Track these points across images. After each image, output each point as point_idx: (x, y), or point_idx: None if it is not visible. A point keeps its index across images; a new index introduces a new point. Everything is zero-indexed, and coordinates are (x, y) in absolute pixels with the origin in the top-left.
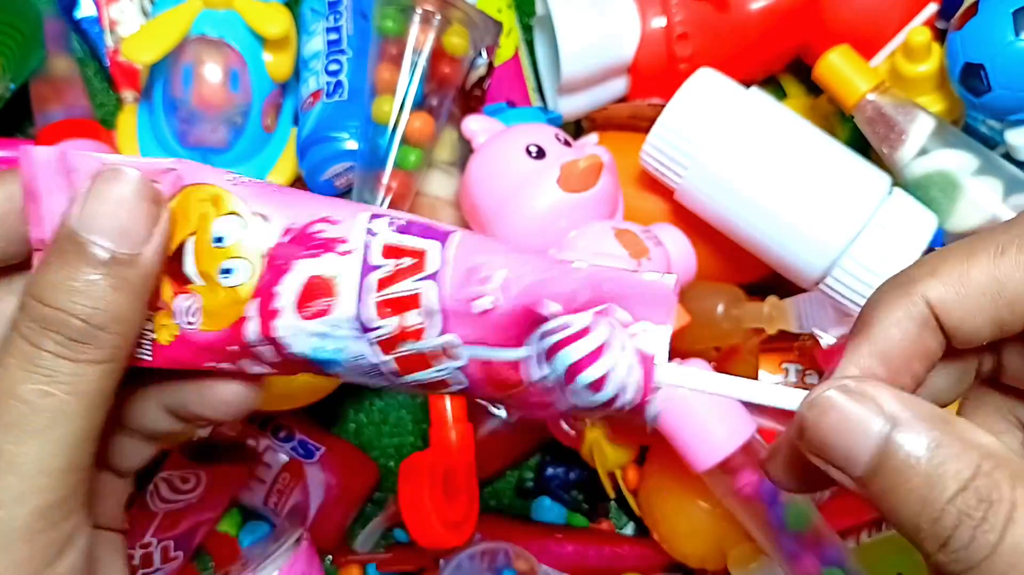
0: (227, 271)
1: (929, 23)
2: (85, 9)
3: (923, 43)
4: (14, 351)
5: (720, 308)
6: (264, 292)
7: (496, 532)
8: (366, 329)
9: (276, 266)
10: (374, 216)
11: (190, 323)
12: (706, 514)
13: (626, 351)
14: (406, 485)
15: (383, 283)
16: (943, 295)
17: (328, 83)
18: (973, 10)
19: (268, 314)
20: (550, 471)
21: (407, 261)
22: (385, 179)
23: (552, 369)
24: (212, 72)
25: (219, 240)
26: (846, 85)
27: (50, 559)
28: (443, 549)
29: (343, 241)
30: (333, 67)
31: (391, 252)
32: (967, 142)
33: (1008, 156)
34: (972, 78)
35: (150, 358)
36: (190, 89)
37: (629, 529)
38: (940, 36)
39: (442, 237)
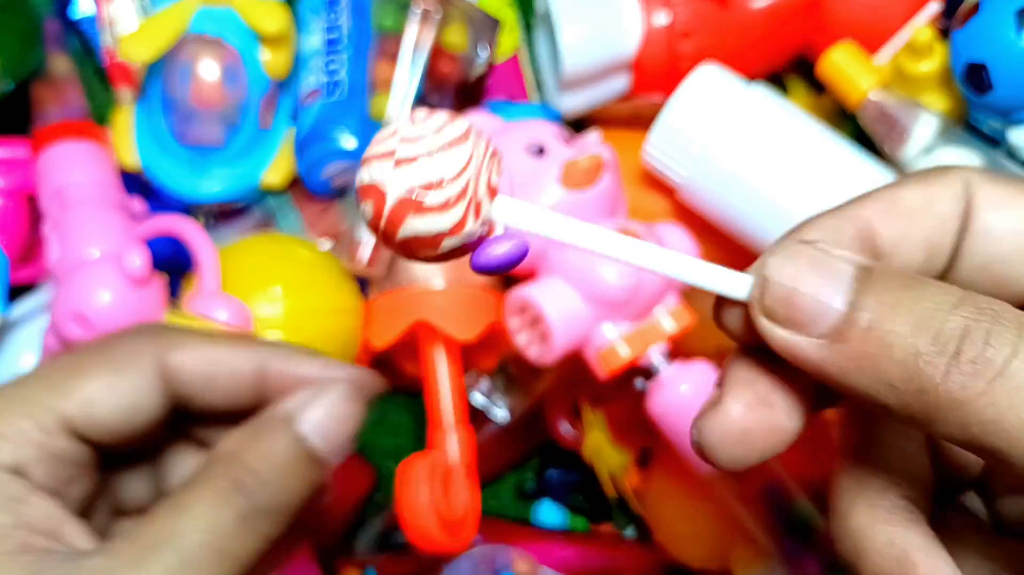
0: None
1: (933, 21)
2: (82, 8)
3: (926, 41)
4: (201, 499)
5: None
6: None
7: (496, 535)
8: None
9: None
10: None
11: None
12: (708, 516)
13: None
14: (405, 488)
15: None
16: (878, 217)
17: (326, 81)
18: (975, 8)
19: None
20: (551, 473)
21: None
22: None
23: None
24: (209, 70)
25: None
26: (849, 83)
27: None
28: (443, 553)
29: None
30: (332, 65)
31: None
32: (970, 141)
33: (1011, 155)
34: (974, 77)
35: None
36: (187, 87)
37: (630, 531)
38: (944, 34)
39: None
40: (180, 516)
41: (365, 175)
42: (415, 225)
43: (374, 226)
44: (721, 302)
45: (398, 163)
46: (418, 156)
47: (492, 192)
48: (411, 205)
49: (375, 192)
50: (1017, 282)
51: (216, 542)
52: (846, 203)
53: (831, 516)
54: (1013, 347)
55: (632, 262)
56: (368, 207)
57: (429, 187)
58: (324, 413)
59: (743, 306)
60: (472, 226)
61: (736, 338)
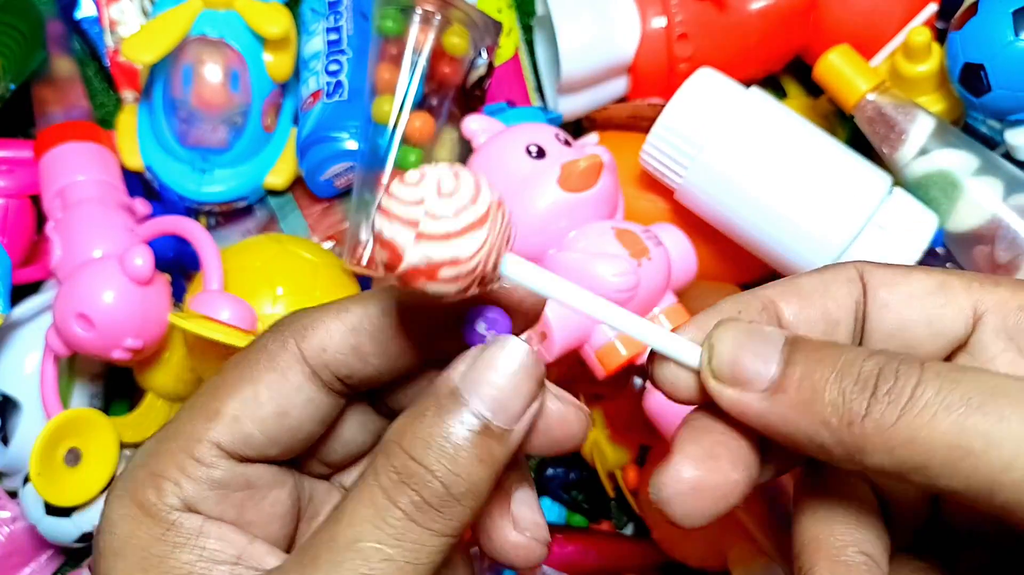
0: None
1: (929, 23)
2: (85, 9)
3: (923, 43)
4: (366, 499)
5: None
6: None
7: None
8: None
9: None
10: None
11: None
12: None
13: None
14: None
15: None
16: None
17: (328, 83)
18: (973, 10)
19: None
20: (550, 471)
21: None
22: (385, 179)
23: None
24: (212, 72)
25: None
26: (846, 85)
27: None
28: None
29: None
30: (333, 67)
31: None
32: (967, 142)
33: (1008, 156)
34: (972, 78)
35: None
36: (190, 89)
37: (629, 529)
38: (940, 36)
39: None
40: (346, 523)
41: (385, 230)
42: (426, 287)
43: (388, 270)
44: (654, 365)
45: (419, 236)
46: (439, 235)
47: (500, 255)
48: (425, 273)
49: (392, 249)
50: (921, 344)
51: (389, 545)
52: (752, 289)
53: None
54: (918, 377)
55: (613, 325)
56: (383, 256)
57: (444, 265)
58: (496, 377)
59: (692, 372)
60: (475, 291)
61: (673, 396)
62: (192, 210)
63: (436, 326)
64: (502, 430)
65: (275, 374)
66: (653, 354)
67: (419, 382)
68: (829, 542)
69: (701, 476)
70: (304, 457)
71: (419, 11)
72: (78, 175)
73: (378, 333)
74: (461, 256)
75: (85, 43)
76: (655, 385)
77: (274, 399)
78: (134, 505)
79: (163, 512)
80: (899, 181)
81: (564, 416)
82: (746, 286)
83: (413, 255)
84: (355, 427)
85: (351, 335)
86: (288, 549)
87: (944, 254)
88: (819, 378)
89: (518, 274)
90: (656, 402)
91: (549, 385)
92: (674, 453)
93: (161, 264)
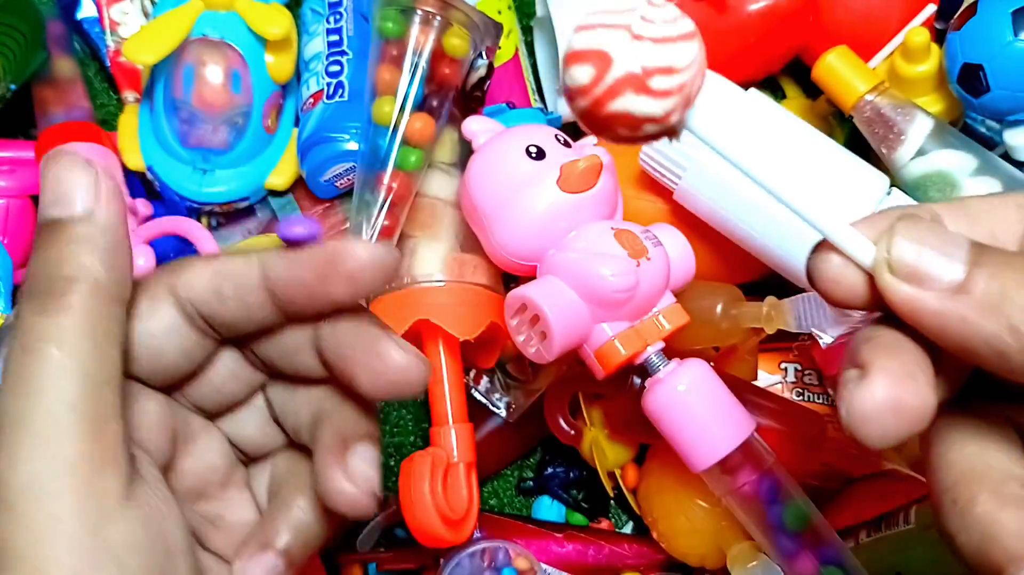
0: None
1: (927, 24)
2: (86, 10)
3: (922, 44)
4: (12, 327)
5: (719, 308)
6: None
7: (496, 531)
8: None
9: None
10: None
11: None
12: (705, 513)
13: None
14: (406, 484)
15: None
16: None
17: (329, 84)
18: (972, 11)
19: None
20: (550, 470)
21: None
22: (386, 180)
23: None
24: (213, 73)
25: None
26: (844, 86)
27: (98, 520)
28: (443, 548)
29: None
30: (334, 68)
31: None
32: (965, 142)
33: (1007, 156)
34: (971, 78)
35: None
36: (191, 90)
37: (628, 528)
38: (939, 37)
39: None
40: None
41: (589, 40)
42: (631, 102)
43: (585, 91)
44: (816, 258)
45: (636, 38)
46: (657, 38)
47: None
48: (636, 82)
49: (600, 59)
50: None
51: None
52: (919, 204)
53: (943, 511)
54: None
55: (780, 199)
56: (584, 71)
57: (659, 71)
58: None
59: (860, 269)
60: (676, 119)
61: (832, 294)
62: (193, 211)
63: (297, 289)
64: (77, 215)
65: (149, 302)
66: (818, 246)
67: (282, 337)
68: (988, 474)
69: (902, 396)
70: (179, 397)
71: (419, 12)
72: None
73: (240, 280)
74: (676, 64)
75: (86, 44)
76: (812, 280)
77: (145, 323)
78: None
79: None
80: (897, 182)
81: (407, 364)
82: (744, 286)
83: (626, 58)
84: (225, 374)
85: (215, 277)
86: (164, 466)
87: None
88: (1009, 281)
89: (702, 127)
90: (655, 402)
91: (392, 335)
92: (871, 369)
93: (162, 264)
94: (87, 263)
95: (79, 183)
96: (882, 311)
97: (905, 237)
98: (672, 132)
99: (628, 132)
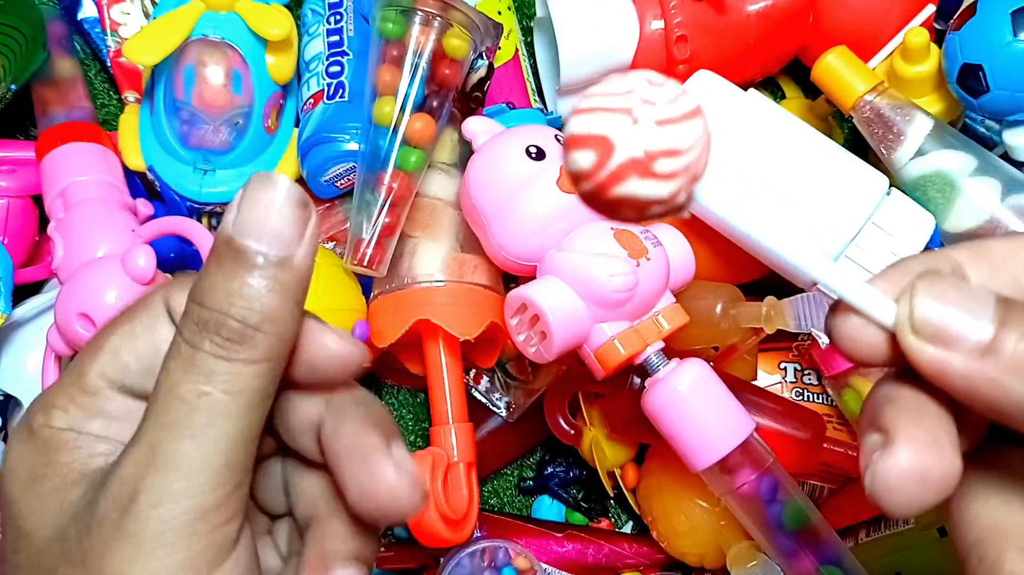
0: None
1: (927, 24)
2: (87, 10)
3: (921, 44)
4: (175, 353)
5: (718, 308)
6: None
7: (496, 530)
8: None
9: None
10: None
11: None
12: (705, 512)
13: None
14: None
15: None
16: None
17: (329, 85)
18: (971, 11)
19: None
20: (550, 469)
21: None
22: (386, 180)
23: None
24: (214, 74)
25: None
26: (844, 86)
27: (211, 562)
28: (444, 547)
29: None
30: (334, 69)
31: None
32: (965, 143)
33: (1006, 156)
34: (970, 79)
35: None
36: (192, 90)
37: (628, 527)
38: (938, 37)
39: None
40: (162, 380)
41: (589, 124)
42: (636, 187)
43: (588, 176)
44: (835, 318)
45: (636, 122)
46: (660, 120)
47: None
48: (640, 166)
49: (601, 144)
50: None
51: (201, 382)
52: (938, 250)
53: (970, 569)
54: None
55: (792, 261)
56: (586, 157)
57: (664, 154)
58: (260, 212)
59: (880, 328)
60: (683, 199)
61: (853, 354)
62: (194, 211)
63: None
64: (283, 257)
65: (148, 315)
66: (835, 306)
67: (288, 408)
68: (1015, 531)
69: (927, 465)
70: None
71: (420, 13)
72: (80, 176)
73: None
74: (680, 146)
75: (87, 44)
76: (832, 340)
77: (146, 333)
78: (25, 430)
79: (48, 431)
80: (897, 182)
81: (398, 489)
82: (744, 286)
83: (629, 144)
84: None
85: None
86: None
87: None
88: None
89: (710, 200)
90: (654, 401)
91: (326, 325)
92: (895, 437)
93: (163, 264)
94: (280, 316)
95: (295, 221)
96: (905, 367)
97: (927, 295)
98: (679, 210)
99: (634, 214)
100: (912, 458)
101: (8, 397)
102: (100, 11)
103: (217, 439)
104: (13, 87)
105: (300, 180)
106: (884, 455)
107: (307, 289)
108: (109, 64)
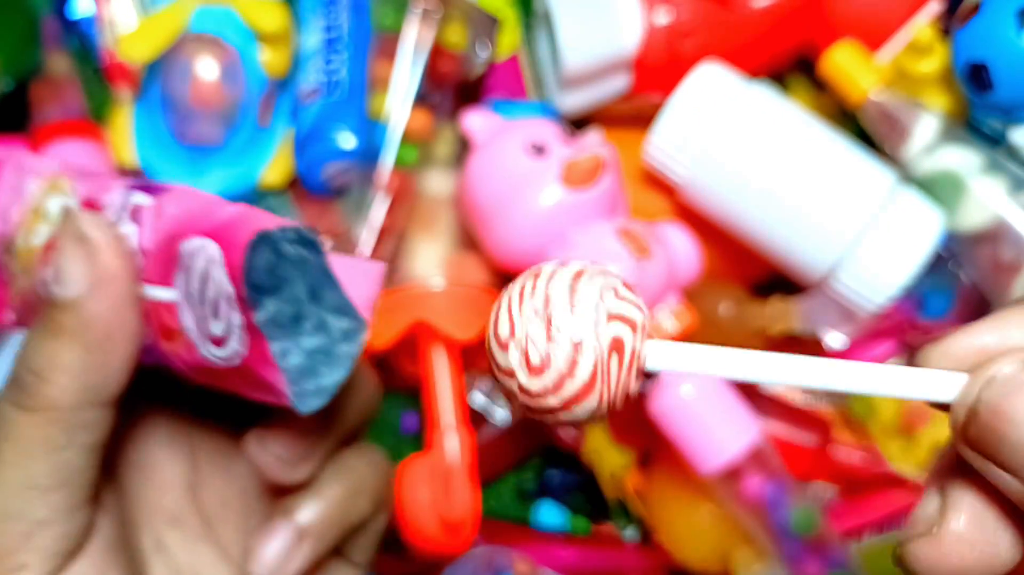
0: (36, 234)
1: (935, 19)
2: (82, 7)
3: (928, 41)
4: None
5: (723, 308)
6: (47, 247)
7: (496, 536)
8: None
9: None
10: (133, 185)
11: (21, 284)
12: (709, 517)
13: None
14: (404, 489)
15: None
16: None
17: (326, 80)
18: (976, 8)
19: (43, 263)
20: (551, 474)
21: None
22: (384, 177)
23: (192, 305)
24: (208, 69)
25: (47, 214)
26: (850, 82)
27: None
28: (444, 554)
29: (110, 204)
30: (331, 64)
31: (135, 210)
32: (972, 140)
33: (1012, 154)
34: (975, 76)
35: (15, 319)
36: (186, 86)
37: (631, 532)
38: (945, 33)
39: (159, 191)
40: None
41: (497, 368)
42: (545, 419)
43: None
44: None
45: (524, 410)
46: (542, 410)
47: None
48: (539, 413)
49: (505, 391)
50: None
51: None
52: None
53: None
54: None
55: (820, 386)
56: (504, 386)
57: (555, 410)
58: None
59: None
60: (600, 413)
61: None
62: None
63: None
64: (63, 297)
65: None
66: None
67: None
68: None
69: (974, 561)
70: None
71: (418, 7)
72: None
73: None
74: (578, 417)
75: (81, 41)
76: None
77: None
78: None
79: None
80: (904, 179)
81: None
82: (752, 286)
83: (524, 402)
84: None
85: None
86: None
87: (947, 254)
88: None
89: (666, 365)
90: (658, 405)
91: (279, 528)
92: (946, 523)
93: None
94: (63, 363)
95: (73, 258)
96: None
97: (987, 409)
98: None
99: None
100: (959, 550)
101: None
102: (94, 7)
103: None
104: (10, 85)
105: (296, 178)
106: (929, 540)
107: (107, 333)
108: (103, 61)
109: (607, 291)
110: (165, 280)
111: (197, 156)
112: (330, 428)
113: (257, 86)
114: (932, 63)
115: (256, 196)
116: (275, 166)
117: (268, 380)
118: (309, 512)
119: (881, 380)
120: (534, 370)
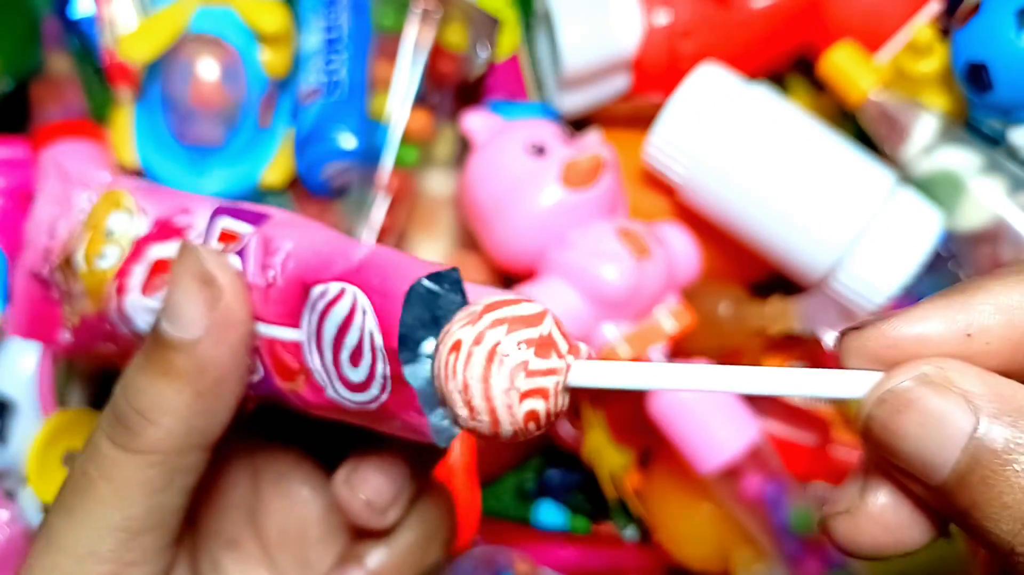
0: (103, 256)
1: (934, 21)
2: (82, 7)
3: (927, 41)
4: (89, 440)
5: (723, 308)
6: (121, 272)
7: (496, 535)
8: None
9: (136, 250)
10: (220, 208)
11: (83, 307)
12: (709, 517)
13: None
14: None
15: None
16: None
17: (326, 80)
18: (975, 8)
19: (120, 290)
20: (551, 473)
21: (231, 244)
22: (384, 177)
23: (321, 348)
24: (208, 69)
25: (110, 232)
26: (850, 83)
27: None
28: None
29: (191, 228)
30: (331, 65)
31: (225, 236)
32: (972, 141)
33: (1011, 154)
34: (975, 77)
35: (72, 341)
36: (186, 86)
37: (631, 532)
38: (945, 34)
39: (259, 219)
40: (77, 463)
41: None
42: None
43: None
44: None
45: (472, 408)
46: (483, 434)
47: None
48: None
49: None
50: None
51: (99, 475)
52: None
53: None
54: None
55: (741, 391)
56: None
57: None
58: (169, 289)
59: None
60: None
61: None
62: None
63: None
64: (179, 338)
65: None
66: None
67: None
68: None
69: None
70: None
71: (418, 8)
72: None
73: None
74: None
75: (81, 41)
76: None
77: None
78: None
79: None
80: (903, 179)
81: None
82: (751, 286)
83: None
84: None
85: None
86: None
87: (946, 254)
88: (989, 518)
89: (588, 381)
90: (658, 404)
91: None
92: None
93: None
94: (172, 406)
95: (194, 298)
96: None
97: (882, 425)
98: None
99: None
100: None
101: (3, 399)
102: (95, 7)
103: (86, 523)
104: (11, 85)
105: (296, 178)
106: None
107: (220, 377)
108: (104, 61)
109: (518, 374)
110: (288, 320)
111: (198, 156)
112: (415, 470)
113: (258, 86)
114: (931, 63)
115: (256, 196)
116: (276, 166)
117: (411, 423)
118: (382, 559)
119: (792, 383)
120: (470, 414)
